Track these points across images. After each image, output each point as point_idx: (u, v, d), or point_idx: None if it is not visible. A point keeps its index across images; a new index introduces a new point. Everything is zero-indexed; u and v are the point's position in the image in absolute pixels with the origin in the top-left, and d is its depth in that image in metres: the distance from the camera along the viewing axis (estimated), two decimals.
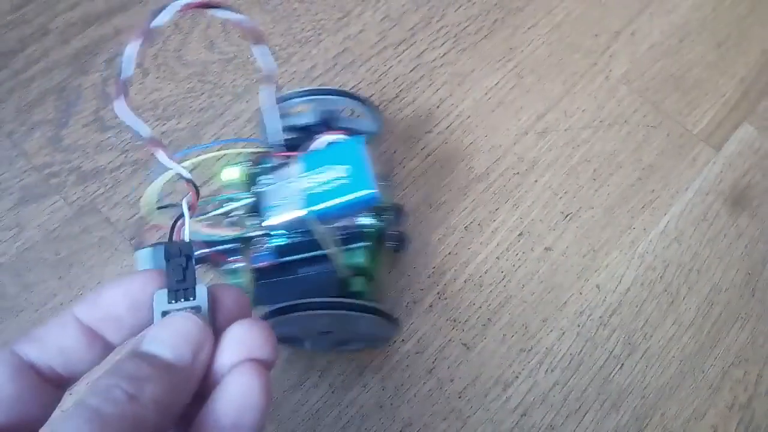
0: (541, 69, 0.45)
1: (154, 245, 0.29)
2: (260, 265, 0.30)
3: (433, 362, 0.36)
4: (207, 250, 0.29)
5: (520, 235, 0.39)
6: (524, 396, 0.35)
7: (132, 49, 0.18)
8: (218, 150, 0.30)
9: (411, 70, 0.44)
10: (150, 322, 0.17)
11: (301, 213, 0.26)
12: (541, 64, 0.45)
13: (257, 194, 0.27)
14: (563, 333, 0.37)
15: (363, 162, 0.26)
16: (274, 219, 0.26)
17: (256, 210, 0.28)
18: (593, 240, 0.39)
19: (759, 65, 0.46)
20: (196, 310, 0.17)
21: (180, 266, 0.18)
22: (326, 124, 0.33)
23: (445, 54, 0.45)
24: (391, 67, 0.44)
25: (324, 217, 0.27)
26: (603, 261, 0.39)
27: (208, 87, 0.43)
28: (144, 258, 0.29)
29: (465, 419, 0.34)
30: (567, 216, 0.40)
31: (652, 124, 0.43)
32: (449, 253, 0.38)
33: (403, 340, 0.36)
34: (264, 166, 0.29)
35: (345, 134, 0.28)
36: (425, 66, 0.45)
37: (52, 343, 0.17)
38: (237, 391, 0.16)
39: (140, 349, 0.16)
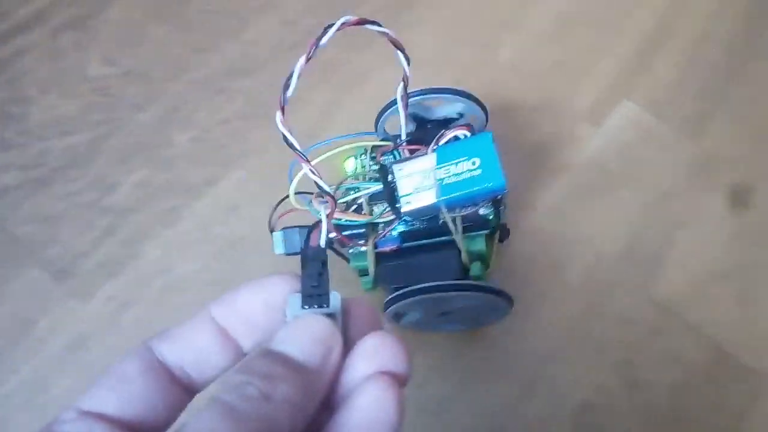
0: (432, 63, 0.47)
1: (284, 229, 0.32)
2: (385, 249, 0.33)
3: None
4: (335, 234, 0.32)
5: None
6: None
7: (299, 67, 0.21)
8: (349, 144, 0.34)
9: (308, 72, 0.46)
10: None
11: (435, 200, 0.30)
12: (432, 58, 0.47)
13: (392, 183, 0.31)
14: None
15: (493, 155, 0.29)
16: (409, 206, 0.30)
17: (379, 198, 0.32)
18: None
19: (637, 44, 0.48)
20: (330, 316, 0.17)
21: (315, 272, 0.18)
22: (419, 120, 0.37)
23: (339, 54, 0.47)
24: (289, 70, 0.46)
25: (453, 205, 0.30)
26: None
27: (109, 100, 0.44)
28: (277, 240, 0.32)
29: None
30: None
31: (537, 108, 0.45)
32: None
33: None
34: (396, 158, 0.33)
35: (468, 130, 0.32)
36: (322, 67, 0.46)
37: (187, 343, 0.17)
38: (369, 405, 0.15)
39: (271, 348, 0.16)
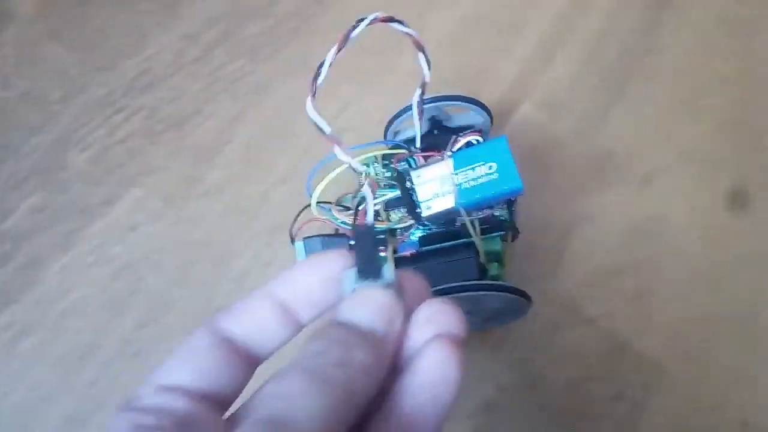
0: (337, 71, 0.47)
1: (305, 238, 0.33)
2: (405, 253, 0.34)
3: None
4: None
5: None
6: None
7: (331, 56, 0.22)
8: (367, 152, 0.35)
9: (211, 85, 0.46)
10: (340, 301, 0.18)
11: (455, 205, 0.30)
12: (337, 66, 0.47)
13: (410, 189, 0.31)
14: None
15: (509, 159, 0.30)
16: (430, 211, 0.30)
17: (395, 204, 0.33)
18: None
19: (536, 46, 0.49)
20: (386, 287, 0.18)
21: (367, 247, 0.19)
22: (437, 125, 0.38)
23: (243, 66, 0.47)
24: (190, 84, 0.46)
25: (472, 208, 0.31)
26: None
27: (4, 124, 0.44)
28: (300, 250, 0.33)
29: None
30: None
31: None
32: None
33: None
34: (410, 164, 0.33)
35: (479, 135, 0.32)
36: (225, 80, 0.46)
37: (249, 318, 0.18)
38: (433, 366, 0.17)
39: (339, 319, 0.17)
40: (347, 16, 0.49)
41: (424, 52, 0.26)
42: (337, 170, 0.31)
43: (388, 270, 0.18)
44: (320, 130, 0.22)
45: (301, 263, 0.19)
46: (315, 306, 0.19)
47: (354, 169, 0.23)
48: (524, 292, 0.34)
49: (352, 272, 0.18)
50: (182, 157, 0.43)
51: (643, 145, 0.46)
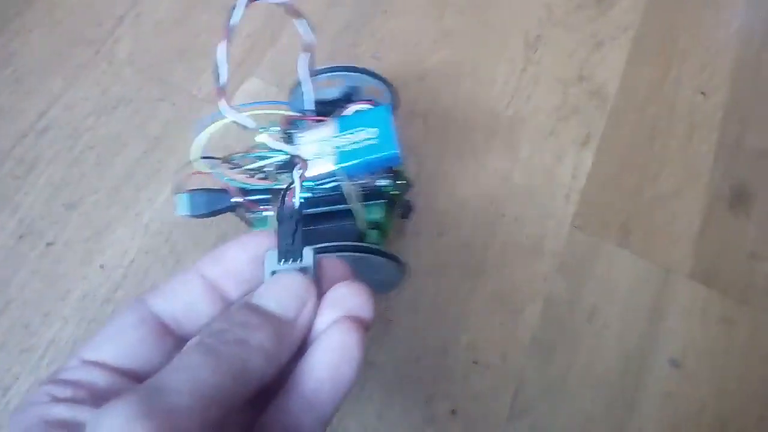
0: (40, 68, 0.45)
1: (192, 191, 0.32)
2: None
3: None
4: (241, 199, 0.32)
5: (21, 237, 0.39)
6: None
7: (222, 53, 0.21)
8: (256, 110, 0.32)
9: None
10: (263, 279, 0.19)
11: (334, 166, 0.30)
12: (41, 63, 0.45)
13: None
14: (66, 321, 0.37)
15: (389, 126, 0.30)
16: (309, 171, 0.29)
17: (286, 166, 0.32)
18: (97, 223, 0.40)
19: (263, 22, 0.49)
20: (304, 271, 0.18)
21: (290, 230, 0.19)
22: (348, 98, 0.37)
23: None
24: None
25: (352, 171, 0.30)
26: (107, 241, 0.39)
27: None
28: (183, 201, 0.32)
29: None
30: (69, 206, 0.40)
31: (158, 98, 0.44)
32: None
33: None
34: (300, 126, 0.32)
35: (371, 104, 0.31)
36: None
37: (178, 296, 0.18)
38: (335, 345, 0.17)
39: (250, 302, 0.17)
40: (52, 9, 0.47)
41: (303, 17, 0.26)
42: (211, 128, 0.30)
43: (308, 253, 0.19)
44: (243, 126, 0.23)
45: (229, 243, 0.19)
46: (243, 283, 0.19)
47: (294, 156, 0.24)
48: (396, 256, 0.33)
49: (274, 254, 0.19)
50: None
51: None
